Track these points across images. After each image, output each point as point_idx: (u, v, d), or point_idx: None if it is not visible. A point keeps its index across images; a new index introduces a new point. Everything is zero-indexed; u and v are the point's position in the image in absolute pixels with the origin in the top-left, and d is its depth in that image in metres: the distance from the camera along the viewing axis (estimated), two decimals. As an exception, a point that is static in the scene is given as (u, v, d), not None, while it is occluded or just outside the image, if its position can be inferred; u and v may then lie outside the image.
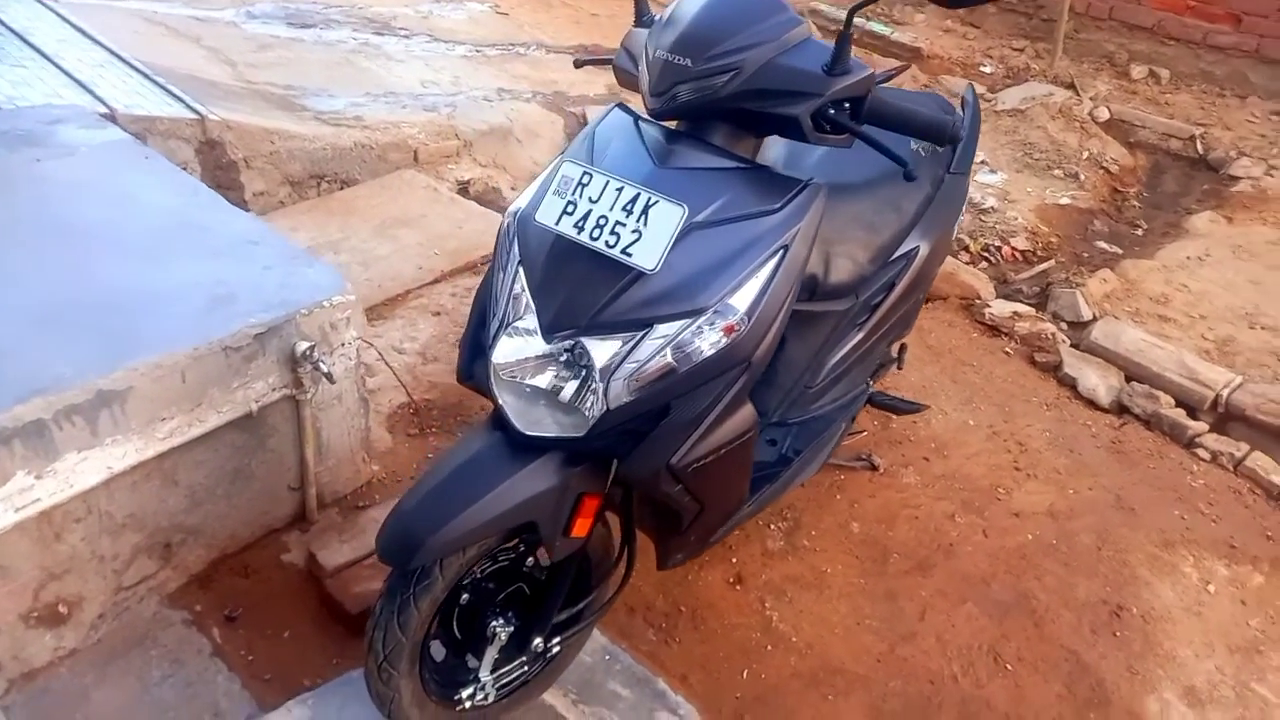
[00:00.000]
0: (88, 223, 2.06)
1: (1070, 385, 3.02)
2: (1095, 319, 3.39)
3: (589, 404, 1.38)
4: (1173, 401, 2.95)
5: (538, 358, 1.41)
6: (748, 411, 1.50)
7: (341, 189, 3.59)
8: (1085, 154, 4.68)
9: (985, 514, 2.43)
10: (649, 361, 1.35)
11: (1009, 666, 2.03)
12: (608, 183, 1.38)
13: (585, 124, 4.44)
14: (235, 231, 2.11)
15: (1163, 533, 2.45)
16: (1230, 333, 3.36)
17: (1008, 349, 3.18)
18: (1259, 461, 2.75)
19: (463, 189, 3.87)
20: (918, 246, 2.06)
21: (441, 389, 2.64)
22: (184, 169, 2.87)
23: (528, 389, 1.43)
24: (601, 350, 1.36)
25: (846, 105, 1.41)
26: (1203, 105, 5.25)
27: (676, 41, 1.42)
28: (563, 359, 1.40)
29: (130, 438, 1.68)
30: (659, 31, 1.47)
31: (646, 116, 1.54)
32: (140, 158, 2.42)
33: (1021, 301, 3.53)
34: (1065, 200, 4.33)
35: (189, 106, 3.13)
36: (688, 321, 1.35)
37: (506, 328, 1.42)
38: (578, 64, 1.95)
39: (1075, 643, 2.10)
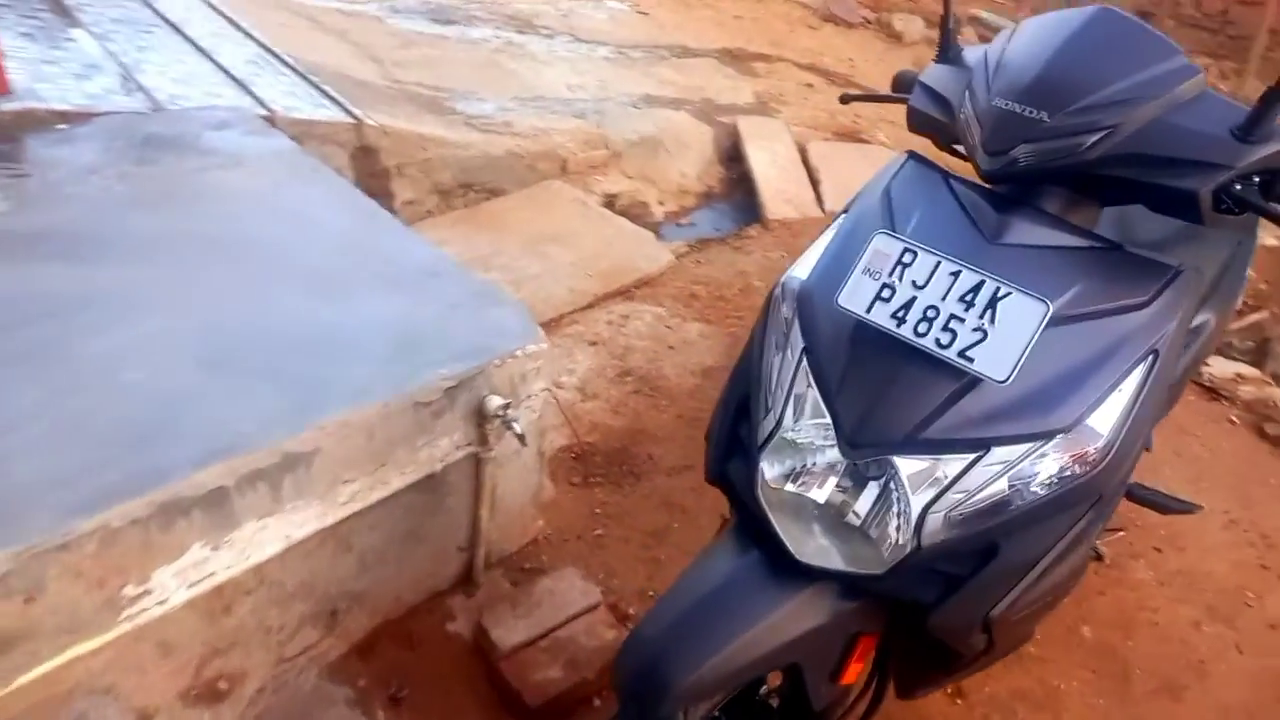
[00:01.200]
0: (260, 244, 1.89)
1: (1310, 464, 2.63)
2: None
3: (890, 536, 1.11)
4: None
5: (825, 470, 1.14)
6: (1086, 554, 1.21)
7: (488, 199, 3.40)
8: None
9: (1236, 624, 2.08)
10: (979, 492, 1.08)
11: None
12: (939, 264, 1.10)
13: (736, 135, 4.19)
14: (416, 261, 1.91)
15: (1235, 521, 2.06)
16: None
17: (1232, 416, 2.79)
18: None
19: (609, 202, 3.65)
20: (1208, 319, 1.73)
21: (603, 431, 2.41)
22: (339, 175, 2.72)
23: (806, 505, 1.17)
24: (920, 474, 1.09)
25: (1256, 180, 1.10)
26: None
27: (1026, 89, 1.12)
28: (852, 474, 1.13)
29: (311, 503, 1.48)
30: (995, 73, 1.18)
31: (955, 174, 1.26)
32: (309, 169, 2.25)
33: (1235, 357, 3.13)
34: (1272, 242, 3.87)
35: (345, 109, 2.98)
36: (1035, 445, 1.07)
37: (783, 430, 1.16)
38: (845, 100, 1.67)
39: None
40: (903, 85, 1.52)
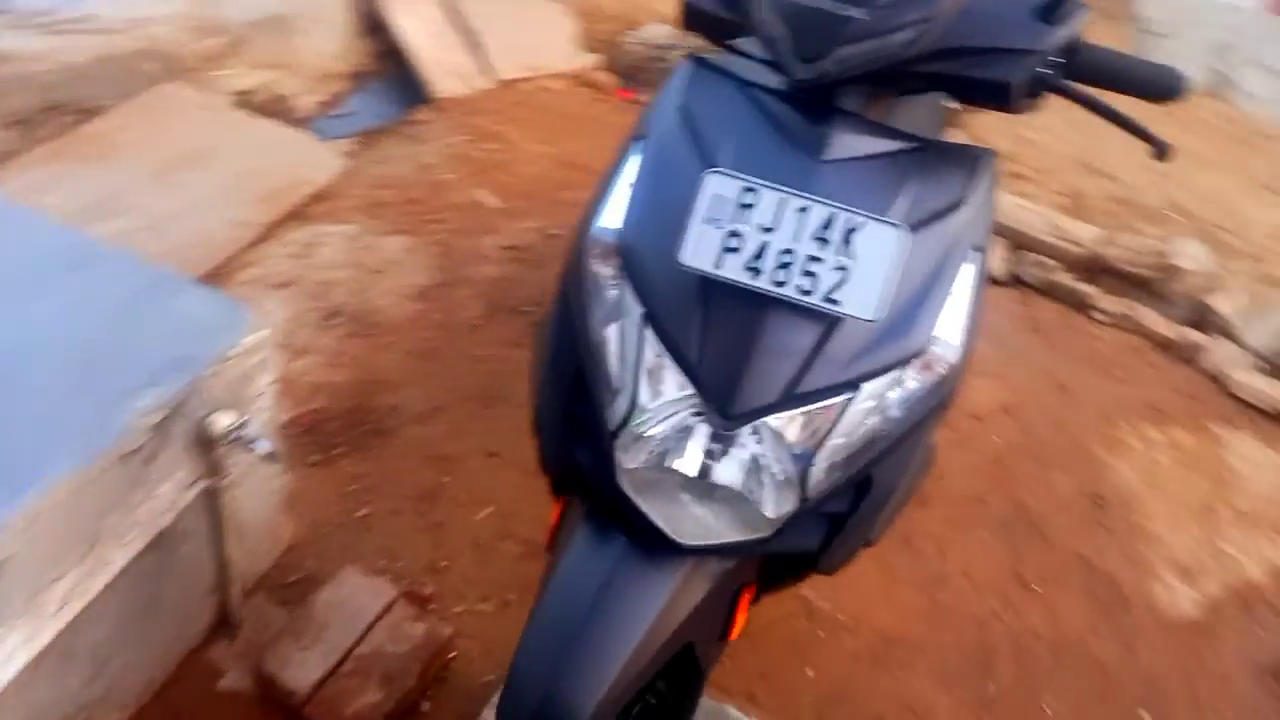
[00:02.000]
0: None
1: (968, 262, 2.99)
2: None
3: (773, 495, 1.03)
4: (1063, 267, 3.01)
5: (690, 443, 1.02)
6: (933, 448, 1.21)
7: (84, 121, 2.69)
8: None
9: (950, 423, 2.36)
10: (856, 433, 1.02)
11: (1036, 588, 2.00)
12: (784, 200, 0.97)
13: (373, 0, 3.66)
14: (59, 247, 1.43)
15: (1099, 408, 2.51)
16: (1077, 184, 3.47)
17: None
18: (1146, 317, 2.89)
19: (243, 101, 3.06)
20: None
21: (328, 391, 2.10)
22: None
23: (670, 479, 1.05)
24: (797, 429, 1.00)
25: (1062, 61, 1.07)
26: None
27: None
28: (719, 437, 1.03)
29: (15, 627, 1.10)
30: None
31: (749, 80, 1.13)
32: None
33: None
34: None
35: None
36: (899, 372, 1.02)
37: (640, 410, 1.01)
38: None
39: (1077, 544, 2.11)
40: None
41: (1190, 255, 3.08)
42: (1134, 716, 1.75)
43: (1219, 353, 2.79)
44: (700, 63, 1.18)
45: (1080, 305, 2.92)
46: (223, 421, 1.32)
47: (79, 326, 1.31)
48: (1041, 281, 2.98)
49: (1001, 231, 3.11)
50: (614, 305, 1.06)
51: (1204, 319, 2.98)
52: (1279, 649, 1.92)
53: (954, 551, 2.04)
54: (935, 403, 1.07)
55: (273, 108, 3.13)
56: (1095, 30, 1.08)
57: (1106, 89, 1.13)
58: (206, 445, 1.33)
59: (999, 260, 3.01)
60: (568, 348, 1.10)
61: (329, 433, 2.00)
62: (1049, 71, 1.05)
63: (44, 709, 1.24)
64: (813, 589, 1.89)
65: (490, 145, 3.08)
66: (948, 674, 1.80)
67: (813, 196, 0.98)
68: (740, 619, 1.20)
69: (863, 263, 0.96)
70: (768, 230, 0.98)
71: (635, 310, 1.04)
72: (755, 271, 0.97)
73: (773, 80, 1.16)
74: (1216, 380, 2.70)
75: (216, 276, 2.31)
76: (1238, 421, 2.56)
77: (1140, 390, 2.61)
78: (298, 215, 2.59)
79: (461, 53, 3.56)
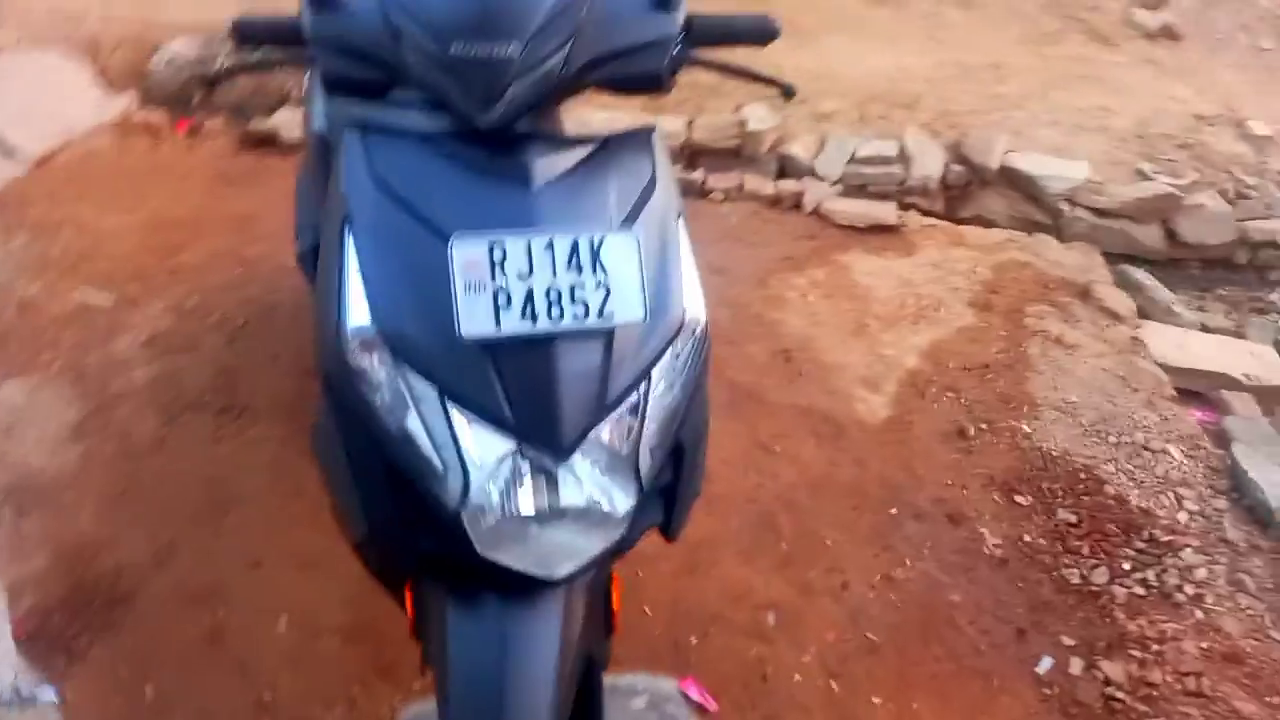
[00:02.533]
0: None
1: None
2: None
3: (614, 498, 1.10)
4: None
5: (522, 484, 1.06)
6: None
7: None
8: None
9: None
10: (661, 414, 1.11)
11: (776, 449, 2.29)
12: (529, 244, 1.01)
13: None
14: None
15: (752, 275, 2.87)
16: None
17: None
18: (750, 182, 3.31)
19: None
20: None
21: (31, 587, 1.78)
22: None
23: (515, 525, 1.08)
24: (616, 433, 1.08)
25: (683, 38, 1.18)
26: None
27: (478, 24, 1.03)
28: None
29: None
30: (419, 14, 1.04)
31: (407, 129, 1.13)
32: None
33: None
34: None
35: None
36: (673, 347, 1.13)
37: (475, 480, 1.03)
38: (212, 82, 1.30)
39: (788, 398, 2.44)
40: (256, 34, 1.25)
41: (758, 118, 3.54)
42: (887, 515, 2.12)
43: (812, 192, 3.29)
44: (366, 130, 1.16)
45: (698, 191, 3.26)
46: (-20, 694, 1.11)
47: None
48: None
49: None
50: (401, 395, 1.05)
51: (790, 168, 3.48)
52: (950, 415, 2.41)
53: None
54: (703, 359, 1.20)
55: None
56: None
57: (720, 46, 1.30)
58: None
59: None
60: (365, 452, 1.08)
61: (59, 628, 1.72)
62: (678, 50, 1.18)
63: None
64: (613, 537, 2.02)
65: (64, 236, 2.66)
66: (748, 551, 2.04)
67: (549, 230, 1.04)
68: (617, 607, 1.28)
69: (616, 274, 1.05)
70: (525, 276, 1.02)
71: (429, 393, 1.04)
72: (533, 318, 1.02)
73: (440, 122, 1.18)
74: (821, 216, 3.19)
75: None
76: (848, 245, 3.07)
77: (774, 248, 3.02)
78: None
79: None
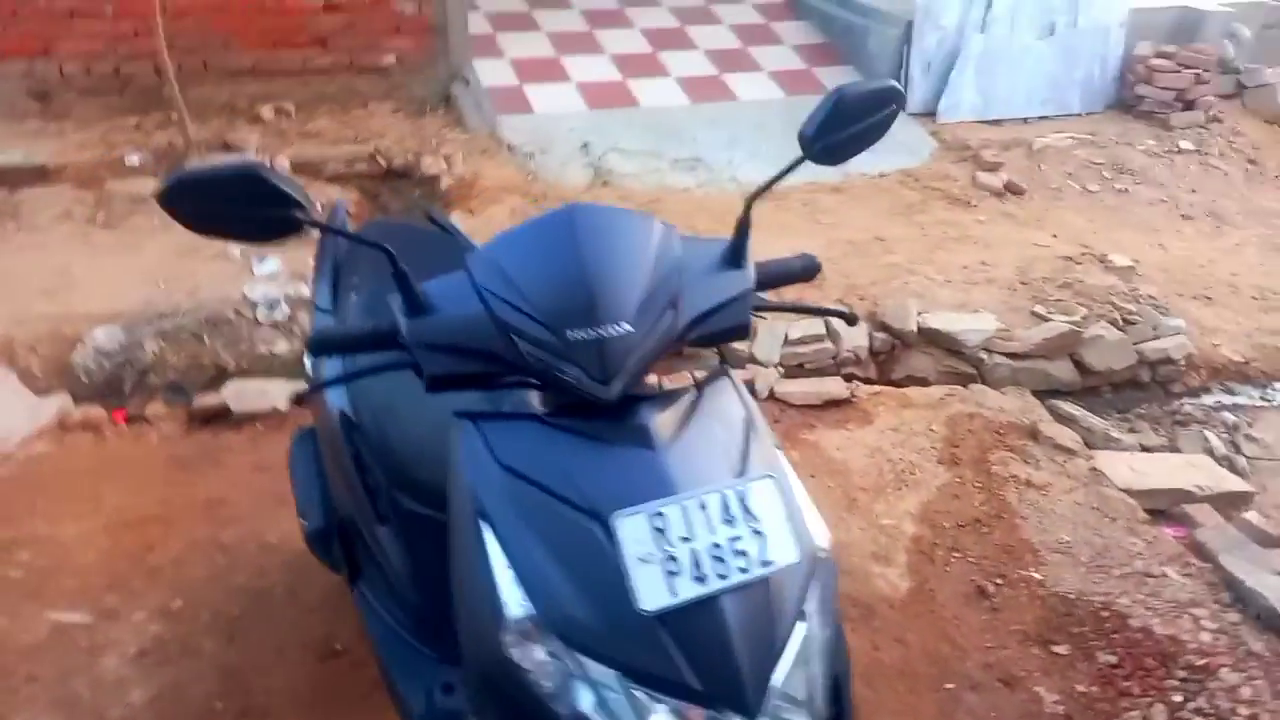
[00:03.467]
0: None
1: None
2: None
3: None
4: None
5: None
6: None
7: None
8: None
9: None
10: (819, 646, 1.13)
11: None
12: (683, 508, 1.06)
13: None
14: None
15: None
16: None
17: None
18: (702, 379, 3.44)
19: None
20: None
21: None
22: None
23: None
24: (795, 681, 1.09)
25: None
26: (341, 124, 5.61)
27: (590, 310, 1.11)
28: None
29: None
30: (527, 305, 1.12)
31: (543, 417, 1.17)
32: None
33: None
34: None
35: None
36: (816, 582, 1.15)
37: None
38: (299, 400, 1.30)
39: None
40: (334, 344, 1.31)
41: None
42: (945, 692, 2.13)
43: (762, 378, 3.44)
44: (478, 418, 1.19)
45: (657, 396, 3.36)
46: None
47: None
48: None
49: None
50: (573, 683, 1.04)
51: (731, 359, 3.65)
52: (965, 575, 2.48)
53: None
54: (836, 584, 1.23)
55: None
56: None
57: (778, 287, 1.43)
58: None
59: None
60: None
61: None
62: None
63: None
64: None
65: (21, 556, 2.47)
66: None
67: (685, 490, 1.08)
68: None
69: (766, 520, 1.10)
70: (688, 540, 1.05)
71: (608, 675, 1.03)
72: (703, 579, 1.05)
73: (546, 401, 1.24)
74: (777, 399, 3.33)
75: None
76: (811, 423, 3.20)
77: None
78: None
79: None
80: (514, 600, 1.06)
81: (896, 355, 3.69)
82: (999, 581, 2.44)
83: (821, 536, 1.22)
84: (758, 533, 1.08)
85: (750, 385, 3.40)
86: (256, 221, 1.14)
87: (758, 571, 1.07)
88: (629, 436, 1.14)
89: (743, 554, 1.07)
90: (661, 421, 1.16)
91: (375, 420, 1.72)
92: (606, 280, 1.13)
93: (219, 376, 3.32)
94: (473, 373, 1.20)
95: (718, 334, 1.26)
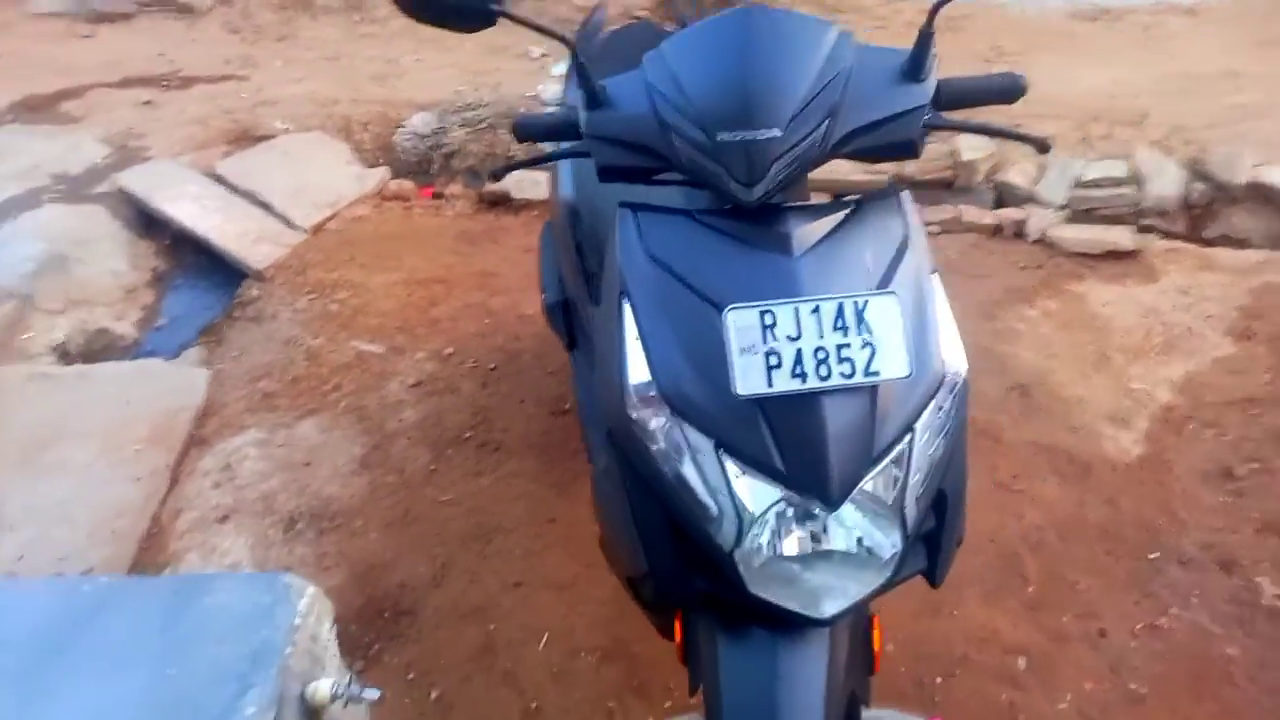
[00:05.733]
0: None
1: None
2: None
3: (879, 545, 1.14)
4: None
5: (790, 530, 1.12)
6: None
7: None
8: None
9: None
10: (926, 466, 1.15)
11: (1017, 488, 2.22)
12: (798, 309, 1.09)
13: (133, 199, 3.45)
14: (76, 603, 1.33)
15: (976, 307, 2.80)
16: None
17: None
18: (967, 213, 3.25)
19: (63, 355, 2.85)
20: None
21: (334, 596, 2.02)
22: None
23: (783, 567, 1.14)
24: (883, 484, 1.12)
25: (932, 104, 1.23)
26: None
27: (743, 113, 1.12)
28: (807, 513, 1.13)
29: None
30: (691, 104, 1.15)
31: (674, 208, 1.24)
32: None
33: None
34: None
35: None
36: (935, 402, 1.16)
37: (749, 525, 1.10)
38: (496, 176, 1.50)
39: (1027, 435, 2.36)
40: (537, 131, 1.42)
41: (971, 146, 3.47)
42: (1147, 561, 2.00)
43: (1036, 219, 3.18)
44: (637, 209, 1.27)
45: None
46: (325, 688, 1.29)
47: (146, 669, 1.24)
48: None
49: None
50: (678, 446, 1.14)
51: (1009, 196, 3.38)
52: (1214, 454, 2.24)
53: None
54: (963, 410, 1.21)
55: (96, 347, 2.93)
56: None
57: (970, 107, 1.33)
58: (315, 714, 1.29)
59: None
60: (645, 498, 1.17)
61: (355, 636, 1.94)
62: (930, 116, 1.21)
63: None
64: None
65: (340, 294, 3.02)
66: (992, 593, 1.99)
67: (815, 296, 1.10)
68: (878, 650, 1.31)
69: (880, 333, 1.09)
70: (794, 339, 1.09)
71: (705, 444, 1.12)
72: (802, 377, 1.08)
73: (701, 200, 1.28)
74: (1047, 244, 3.08)
75: (153, 541, 2.16)
76: (1081, 273, 2.94)
77: (998, 279, 2.94)
78: (195, 443, 2.46)
79: (255, 217, 3.45)
80: (639, 370, 1.17)
81: (1214, 210, 3.21)
82: (1254, 466, 2.17)
83: (955, 362, 1.20)
84: (869, 344, 1.09)
85: (1020, 225, 3.15)
86: (461, 10, 1.27)
87: (860, 379, 1.08)
88: (770, 241, 1.16)
89: (848, 360, 1.09)
90: (806, 230, 1.17)
91: (590, 210, 1.87)
92: (763, 84, 1.13)
93: (508, 165, 3.68)
94: (638, 166, 1.27)
95: (879, 149, 1.21)
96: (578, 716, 1.78)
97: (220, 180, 3.63)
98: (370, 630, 1.96)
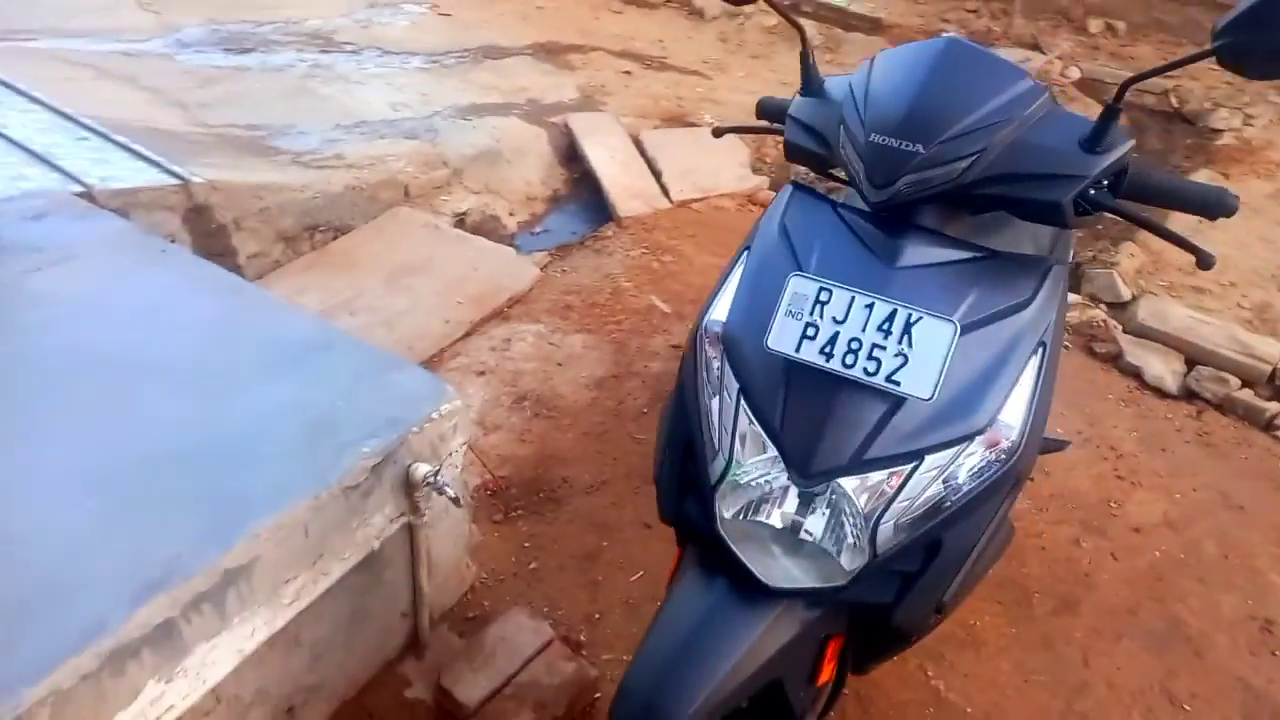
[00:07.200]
0: (120, 349, 1.76)
1: (1135, 375, 2.97)
2: (1135, 298, 3.35)
3: (848, 549, 1.19)
4: (1239, 383, 2.92)
5: (778, 498, 1.21)
6: (1010, 528, 1.34)
7: (335, 238, 3.28)
8: (1072, 120, 4.66)
9: (1108, 534, 2.35)
10: (920, 497, 1.17)
11: (1186, 707, 1.94)
12: (853, 299, 1.17)
13: (570, 135, 4.20)
14: (300, 336, 1.84)
15: (1277, 529, 2.41)
16: (1263, 297, 3.36)
17: (1064, 342, 3.10)
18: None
19: (460, 221, 3.60)
20: None
21: (513, 463, 2.41)
22: (172, 241, 2.55)
23: (762, 531, 1.24)
24: (866, 491, 1.17)
25: (1105, 183, 1.23)
26: (1163, 56, 5.28)
27: (899, 124, 1.21)
28: (802, 496, 1.21)
29: (258, 612, 1.42)
30: (866, 109, 1.27)
31: (839, 201, 1.35)
32: (152, 250, 2.10)
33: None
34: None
35: (167, 170, 2.78)
36: (960, 447, 1.17)
37: (734, 469, 1.22)
38: (717, 133, 1.75)
39: (1239, 668, 2.03)
40: (769, 112, 1.61)
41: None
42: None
43: None
44: (799, 188, 1.41)
45: (1260, 423, 2.81)
46: (422, 470, 1.63)
47: (321, 393, 1.69)
48: (1218, 396, 2.89)
49: (1175, 344, 3.07)
50: (717, 382, 1.28)
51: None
52: None
53: (1098, 660, 2.03)
54: (999, 477, 1.19)
55: (484, 226, 3.64)
56: None
57: (1160, 207, 1.27)
58: (409, 488, 1.64)
59: (1170, 373, 2.96)
60: (681, 419, 1.33)
61: (511, 498, 2.31)
62: (1097, 193, 1.20)
63: (274, 683, 1.56)
64: (943, 678, 1.95)
65: (666, 258, 3.42)
66: (1080, 775, 1.79)
67: (879, 296, 1.17)
68: (828, 666, 1.33)
69: (920, 351, 1.13)
70: (839, 322, 1.17)
71: (733, 386, 1.24)
72: (828, 355, 1.17)
73: (858, 202, 1.38)
74: None
75: (432, 363, 2.73)
76: None
77: (1328, 511, 2.48)
78: (499, 315, 3.00)
79: (641, 178, 3.99)
80: (720, 310, 1.33)
81: None
82: None
83: (1011, 424, 1.19)
84: (903, 355, 1.14)
85: None
86: None
87: (878, 382, 1.14)
88: (883, 247, 1.24)
89: (876, 360, 1.15)
90: (920, 251, 1.23)
91: None
92: (927, 104, 1.21)
93: (732, 127, 3.83)
94: (814, 151, 1.40)
95: (1024, 202, 1.22)
96: (622, 644, 1.96)
97: (637, 144, 4.24)
98: (522, 498, 2.31)
